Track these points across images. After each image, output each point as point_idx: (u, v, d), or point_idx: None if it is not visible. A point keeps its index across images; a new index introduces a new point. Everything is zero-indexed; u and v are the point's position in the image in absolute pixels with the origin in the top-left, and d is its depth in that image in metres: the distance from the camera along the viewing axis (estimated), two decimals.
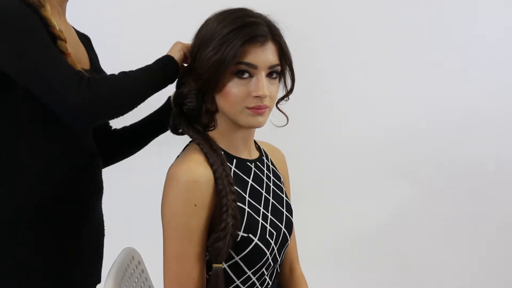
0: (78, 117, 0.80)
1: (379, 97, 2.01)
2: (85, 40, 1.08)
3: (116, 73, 0.87)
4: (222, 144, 0.90)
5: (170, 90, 0.97)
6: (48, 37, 0.82)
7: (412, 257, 2.10)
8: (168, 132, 1.10)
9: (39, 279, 0.91)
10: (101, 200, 1.06)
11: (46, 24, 0.85)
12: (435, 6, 1.98)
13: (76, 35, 1.03)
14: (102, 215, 1.08)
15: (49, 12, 0.86)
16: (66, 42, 0.87)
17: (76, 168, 0.95)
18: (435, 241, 2.10)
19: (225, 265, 0.85)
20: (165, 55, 0.93)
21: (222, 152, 0.87)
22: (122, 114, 0.87)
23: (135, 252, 1.13)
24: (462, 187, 2.08)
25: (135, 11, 1.83)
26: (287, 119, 0.95)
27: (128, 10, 1.81)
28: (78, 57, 0.95)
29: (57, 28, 0.86)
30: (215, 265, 0.81)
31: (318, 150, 2.01)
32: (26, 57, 0.78)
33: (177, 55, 0.93)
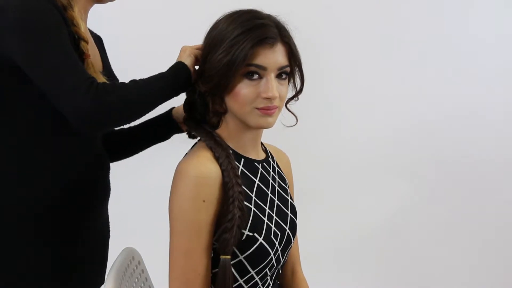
0: (84, 122, 0.79)
1: (380, 98, 2.02)
2: (98, 41, 1.07)
3: (127, 81, 0.86)
4: (231, 144, 0.91)
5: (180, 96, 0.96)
6: (68, 40, 0.81)
7: (413, 257, 2.11)
8: None
9: (45, 280, 0.90)
10: (107, 202, 1.06)
11: (71, 25, 0.84)
12: (438, 7, 2.00)
13: (92, 38, 1.03)
14: (108, 216, 1.08)
15: (77, 13, 0.86)
16: (88, 44, 0.88)
17: (87, 170, 0.95)
18: (436, 241, 2.11)
19: None
20: (176, 62, 0.92)
21: (229, 149, 0.88)
22: (129, 122, 0.88)
23: (135, 252, 1.12)
24: (463, 188, 2.09)
25: (135, 11, 1.82)
26: (296, 119, 0.96)
27: (129, 9, 1.81)
28: (94, 60, 0.94)
29: (82, 29, 0.86)
30: (223, 257, 0.81)
31: (319, 150, 2.01)
32: (42, 57, 0.78)
33: (188, 61, 0.91)
